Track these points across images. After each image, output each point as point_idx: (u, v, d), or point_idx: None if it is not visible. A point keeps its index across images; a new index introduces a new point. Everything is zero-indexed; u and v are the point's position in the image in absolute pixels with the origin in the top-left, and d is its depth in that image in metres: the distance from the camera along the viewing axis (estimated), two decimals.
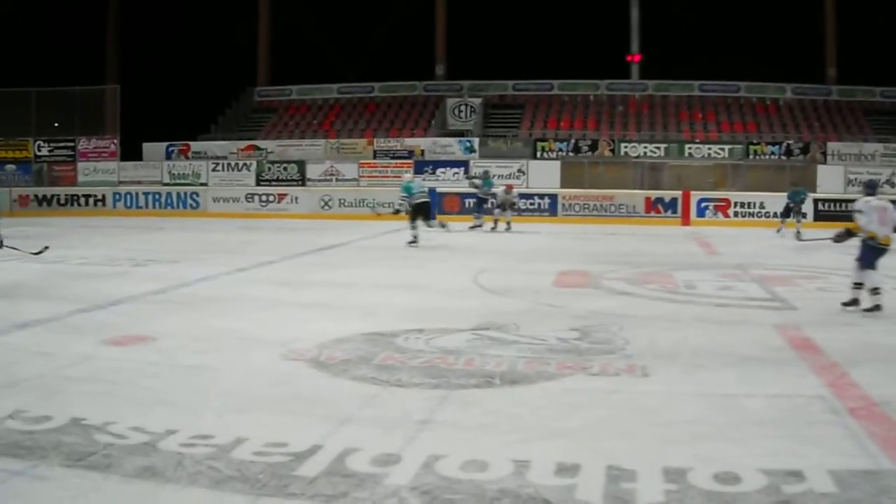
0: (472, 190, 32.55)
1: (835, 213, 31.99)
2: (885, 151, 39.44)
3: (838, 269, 17.29)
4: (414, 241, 24.10)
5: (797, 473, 5.83)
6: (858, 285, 13.15)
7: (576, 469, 5.91)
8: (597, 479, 5.74)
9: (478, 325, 11.29)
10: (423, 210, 24.72)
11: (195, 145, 44.61)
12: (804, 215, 29.73)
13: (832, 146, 40.20)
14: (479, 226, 30.89)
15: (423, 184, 26.45)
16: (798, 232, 27.29)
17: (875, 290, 13.01)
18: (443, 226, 25.46)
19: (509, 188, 32.44)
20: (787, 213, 29.23)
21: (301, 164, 41.35)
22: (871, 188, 13.93)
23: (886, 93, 45.88)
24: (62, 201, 41.36)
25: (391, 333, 10.68)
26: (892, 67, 43.55)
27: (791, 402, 7.74)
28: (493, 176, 36.12)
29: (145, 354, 9.53)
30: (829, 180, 36.88)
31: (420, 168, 40.32)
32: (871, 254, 13.11)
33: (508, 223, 31.03)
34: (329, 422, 7.00)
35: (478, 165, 39.58)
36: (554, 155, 41.44)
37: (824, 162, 39.23)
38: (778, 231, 28.24)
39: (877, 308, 12.90)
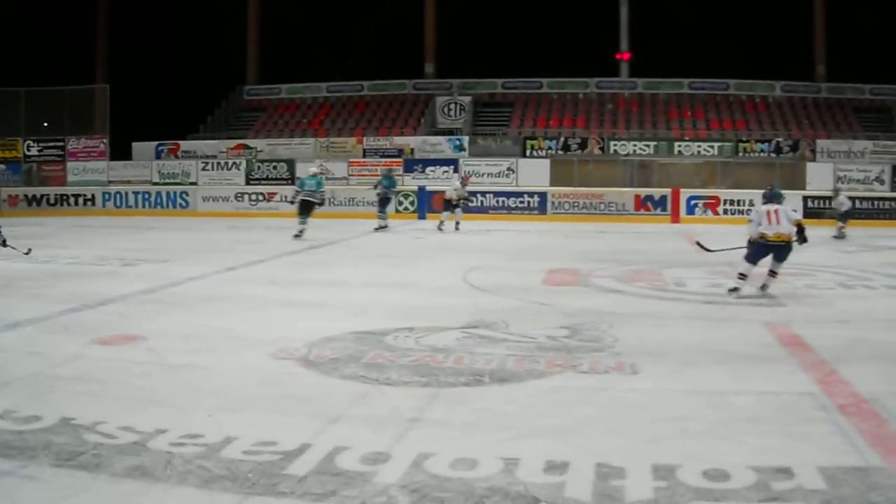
0: (378, 191, 30.95)
1: (824, 209, 31.90)
2: (875, 149, 39.54)
3: (827, 266, 17.36)
4: (298, 235, 25.14)
5: (786, 470, 5.83)
6: (742, 276, 14.46)
7: (565, 466, 5.92)
8: (586, 477, 5.74)
9: (467, 324, 11.30)
10: (307, 206, 26.16)
11: (185, 144, 44.61)
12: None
13: (821, 143, 40.29)
14: (385, 227, 29.81)
15: (320, 181, 27.42)
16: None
17: (741, 276, 14.42)
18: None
19: (466, 180, 32.07)
20: None
21: (290, 163, 41.28)
22: (766, 198, 15.15)
23: (876, 90, 45.94)
24: (52, 201, 41.34)
25: (381, 332, 10.68)
26: (882, 65, 43.64)
27: (780, 399, 7.75)
28: (471, 173, 36.53)
29: (135, 354, 9.52)
30: (819, 178, 36.89)
31: (410, 166, 40.39)
32: (758, 250, 14.44)
33: (458, 223, 30.07)
34: (318, 420, 7.00)
35: (467, 163, 39.69)
36: (543, 153, 41.49)
37: (814, 159, 39.33)
38: None
39: (735, 290, 14.36)
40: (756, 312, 12.83)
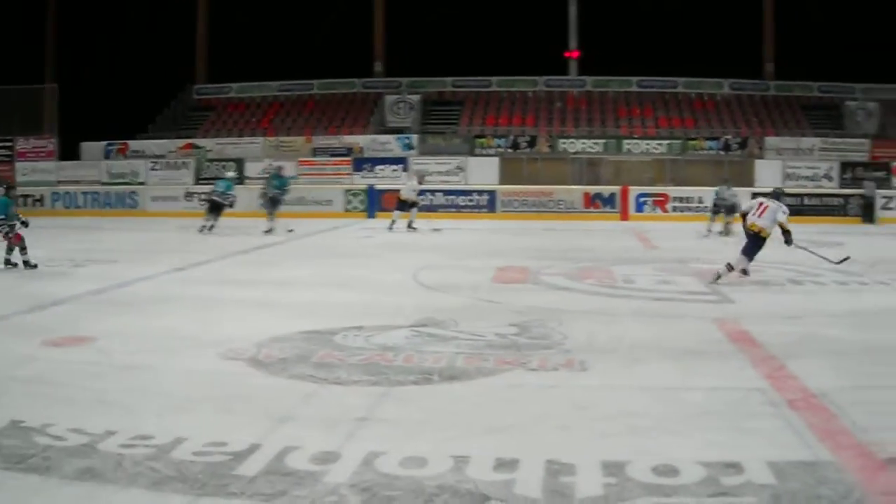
0: (270, 194, 29.07)
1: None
2: (823, 146, 39.98)
3: (775, 262, 17.46)
4: (200, 230, 27.22)
5: (736, 465, 5.88)
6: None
7: (515, 464, 5.94)
8: (536, 474, 5.76)
9: (417, 322, 11.31)
10: (216, 207, 28.06)
11: (134, 144, 44.34)
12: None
13: (770, 141, 40.65)
14: (272, 229, 27.72)
15: (230, 184, 28.60)
16: (727, 227, 27.23)
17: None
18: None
19: (422, 179, 31.62)
20: (716, 210, 28.99)
21: (240, 162, 41.00)
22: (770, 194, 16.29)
23: (824, 88, 46.36)
24: None
25: (330, 331, 10.66)
26: (830, 62, 44.09)
27: (730, 395, 7.81)
28: (424, 171, 36.06)
29: (85, 355, 9.44)
30: (767, 175, 37.12)
31: (359, 165, 40.37)
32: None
33: (411, 222, 29.35)
34: (268, 420, 6.99)
35: (416, 162, 39.67)
36: (493, 151, 41.63)
37: (762, 157, 39.62)
38: (708, 231, 27.80)
39: (744, 272, 15.71)
40: (705, 309, 12.93)
